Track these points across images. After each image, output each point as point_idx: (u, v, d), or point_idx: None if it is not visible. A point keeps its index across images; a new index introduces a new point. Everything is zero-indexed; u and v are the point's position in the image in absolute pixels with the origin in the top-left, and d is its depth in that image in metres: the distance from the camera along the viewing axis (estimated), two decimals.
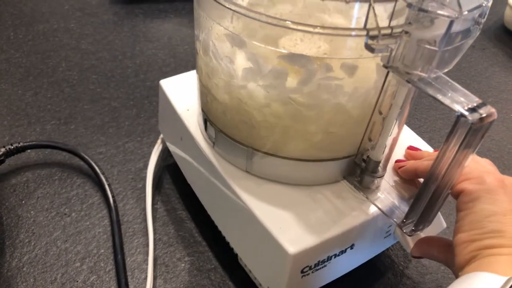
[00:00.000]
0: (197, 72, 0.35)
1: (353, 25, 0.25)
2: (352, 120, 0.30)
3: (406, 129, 0.40)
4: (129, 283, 0.39)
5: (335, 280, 0.36)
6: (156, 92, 0.61)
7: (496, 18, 0.87)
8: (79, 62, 0.65)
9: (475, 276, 0.26)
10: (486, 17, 0.26)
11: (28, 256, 0.40)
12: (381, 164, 0.32)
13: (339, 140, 0.31)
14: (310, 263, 0.31)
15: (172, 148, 0.45)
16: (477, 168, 0.30)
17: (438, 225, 0.38)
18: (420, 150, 0.37)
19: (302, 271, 0.31)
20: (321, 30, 0.24)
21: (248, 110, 0.30)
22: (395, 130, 0.30)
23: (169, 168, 0.50)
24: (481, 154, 0.56)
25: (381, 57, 0.26)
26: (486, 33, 0.84)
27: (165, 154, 0.50)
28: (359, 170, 0.33)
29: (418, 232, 0.30)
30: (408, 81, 0.26)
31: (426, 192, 0.27)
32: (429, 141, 0.41)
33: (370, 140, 0.31)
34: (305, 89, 0.27)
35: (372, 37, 0.24)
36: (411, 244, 0.35)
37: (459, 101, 0.24)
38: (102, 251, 0.41)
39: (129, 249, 0.42)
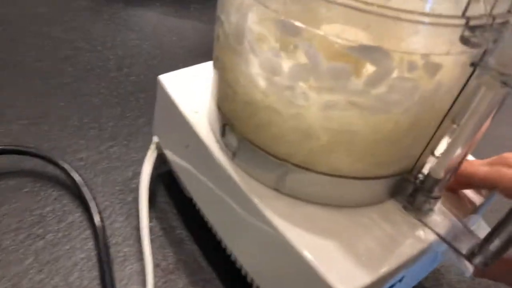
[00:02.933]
0: (216, 66, 0.29)
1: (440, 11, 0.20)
2: (417, 128, 0.24)
3: None
4: None
5: None
6: (142, 88, 0.53)
7: None
8: (51, 52, 0.56)
9: None
10: None
11: None
12: (440, 184, 0.27)
13: (397, 152, 0.26)
14: None
15: (171, 156, 0.38)
16: None
17: None
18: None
19: None
20: (408, 16, 0.19)
21: (290, 114, 0.24)
22: (467, 144, 0.25)
23: (163, 178, 0.43)
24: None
25: (470, 54, 0.20)
26: None
27: (158, 161, 0.43)
28: (412, 189, 0.28)
29: (487, 266, 0.25)
30: (504, 83, 0.20)
31: (502, 229, 0.22)
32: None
33: (432, 154, 0.26)
34: (374, 91, 0.22)
35: (472, 28, 0.19)
36: (470, 266, 0.30)
37: None
38: (86, 283, 0.34)
39: (120, 279, 0.34)
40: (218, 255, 0.37)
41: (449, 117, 0.24)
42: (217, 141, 0.31)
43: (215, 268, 0.36)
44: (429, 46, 0.20)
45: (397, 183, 0.28)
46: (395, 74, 0.21)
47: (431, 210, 0.28)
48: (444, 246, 0.29)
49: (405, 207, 0.29)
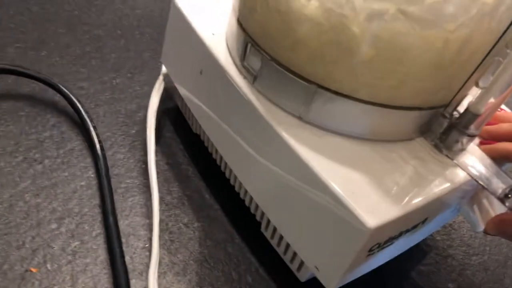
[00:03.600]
0: None
1: None
2: (467, 51, 0.22)
3: None
4: (124, 253, 0.30)
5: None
6: (148, 23, 0.50)
7: None
8: None
9: None
10: None
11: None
12: (479, 120, 0.25)
13: (441, 78, 0.23)
14: (382, 240, 0.24)
15: (182, 87, 0.35)
16: None
17: None
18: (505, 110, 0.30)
19: (370, 249, 0.24)
20: None
21: (332, 24, 0.21)
22: None
23: (168, 114, 0.41)
24: None
25: None
26: None
27: (164, 95, 0.40)
28: (446, 125, 0.26)
29: None
30: None
31: None
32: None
33: (477, 84, 0.24)
34: (429, 0, 0.19)
35: None
36: (482, 221, 0.29)
37: None
38: (86, 210, 0.32)
39: (122, 209, 0.33)
40: (224, 193, 0.35)
41: (504, 41, 0.22)
42: (236, 65, 0.28)
43: (221, 205, 0.35)
44: None
45: (431, 118, 0.26)
46: None
47: (463, 149, 0.27)
48: (466, 193, 0.28)
49: (436, 146, 0.27)
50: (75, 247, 0.30)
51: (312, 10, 0.21)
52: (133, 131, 0.38)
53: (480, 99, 0.24)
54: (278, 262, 0.31)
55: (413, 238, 0.30)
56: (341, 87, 0.24)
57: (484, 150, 0.27)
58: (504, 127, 0.27)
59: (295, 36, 0.23)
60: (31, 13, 0.47)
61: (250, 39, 0.26)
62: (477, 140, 0.27)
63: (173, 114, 0.40)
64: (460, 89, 0.24)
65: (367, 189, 0.23)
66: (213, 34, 0.30)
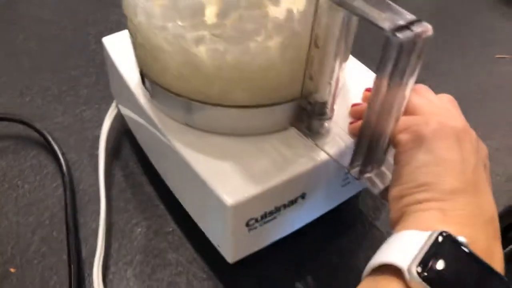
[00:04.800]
0: (126, 13, 0.32)
1: None
2: (288, 55, 0.27)
3: (365, 70, 0.37)
4: (82, 251, 0.37)
5: (299, 233, 0.35)
6: None
7: None
8: (39, 33, 0.62)
9: (397, 237, 0.23)
10: None
11: None
12: (328, 105, 0.30)
13: (278, 80, 0.28)
14: (255, 215, 0.29)
15: (121, 109, 0.42)
16: (425, 112, 0.27)
17: None
18: None
19: (247, 224, 0.29)
20: None
21: (174, 56, 0.28)
22: (337, 65, 0.27)
23: (128, 134, 0.48)
24: (463, 96, 0.54)
25: None
26: None
27: (124, 119, 0.47)
28: (306, 115, 0.31)
29: (367, 175, 0.28)
30: (336, 3, 0.23)
31: (366, 131, 0.25)
32: None
33: (311, 78, 0.28)
34: (227, 22, 0.25)
35: None
36: (380, 184, 0.32)
37: (390, 20, 0.21)
38: (56, 220, 0.40)
39: (84, 216, 0.40)
40: (171, 195, 0.41)
41: (313, 42, 0.26)
42: (141, 88, 0.35)
43: (167, 206, 0.41)
44: None
45: (294, 110, 0.31)
46: (240, 3, 0.24)
47: (327, 133, 0.31)
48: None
49: (304, 133, 0.31)
50: (44, 250, 0.37)
51: (158, 41, 0.27)
52: (97, 153, 0.46)
53: (317, 88, 0.29)
54: (209, 246, 0.37)
55: (312, 210, 0.34)
56: (204, 97, 0.30)
57: (351, 114, 0.32)
58: (363, 105, 0.31)
59: (155, 61, 0.29)
60: (21, 65, 0.56)
61: (141, 67, 0.33)
62: (346, 122, 0.32)
63: (131, 134, 0.48)
64: (303, 83, 0.29)
65: (233, 175, 0.29)
66: (129, 66, 0.37)
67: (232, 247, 0.30)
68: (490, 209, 0.25)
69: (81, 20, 0.64)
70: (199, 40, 0.26)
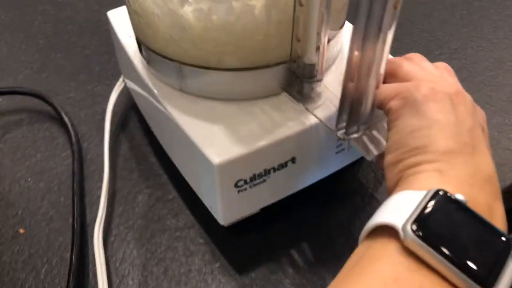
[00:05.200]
0: None
1: None
2: (274, 15, 0.27)
3: None
4: (87, 216, 0.39)
5: (297, 203, 0.35)
6: None
7: None
8: (55, 15, 0.64)
9: (392, 198, 0.23)
10: None
11: None
12: (317, 68, 0.30)
13: (266, 42, 0.29)
14: (244, 177, 0.30)
15: (127, 83, 0.44)
16: (415, 78, 0.26)
17: None
18: None
19: (236, 185, 0.30)
20: None
21: (163, 19, 0.28)
22: (323, 26, 0.27)
23: (135, 108, 0.49)
24: (478, 70, 0.52)
25: None
26: None
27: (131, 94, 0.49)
28: (297, 78, 0.31)
29: (354, 135, 0.28)
30: None
31: (347, 89, 0.25)
32: None
33: (298, 40, 0.29)
34: None
35: None
36: (373, 149, 0.32)
37: None
38: (64, 187, 0.41)
39: (90, 184, 0.42)
40: (172, 165, 0.42)
41: (297, 1, 0.26)
42: (139, 56, 0.36)
43: (169, 175, 0.42)
44: None
45: (284, 74, 0.31)
46: None
47: (318, 97, 0.31)
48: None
49: (295, 97, 0.32)
50: (52, 214, 0.39)
51: (153, 7, 0.28)
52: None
53: (304, 50, 0.29)
54: (206, 211, 0.38)
55: (304, 176, 0.34)
56: (194, 61, 0.30)
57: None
58: None
59: (147, 26, 0.30)
60: (38, 46, 0.58)
61: (137, 35, 0.34)
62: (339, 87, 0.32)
63: (137, 108, 0.49)
64: (291, 45, 0.29)
65: (222, 137, 0.29)
66: (130, 36, 0.38)
67: (222, 208, 0.31)
68: (488, 168, 0.24)
69: (94, 2, 0.66)
70: (184, 1, 0.27)
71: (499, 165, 0.42)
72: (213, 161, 0.28)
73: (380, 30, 0.22)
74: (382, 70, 0.25)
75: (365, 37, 0.22)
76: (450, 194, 0.21)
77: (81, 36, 0.60)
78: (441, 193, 0.21)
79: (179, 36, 0.29)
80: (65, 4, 0.66)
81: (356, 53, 0.23)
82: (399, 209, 0.22)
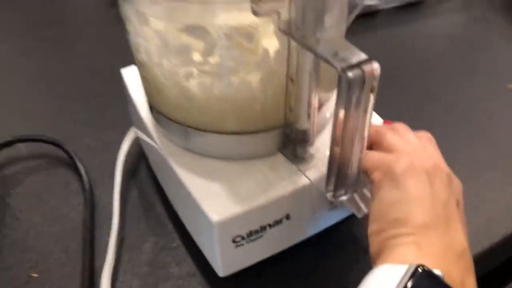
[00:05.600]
0: (132, 51, 0.37)
1: None
2: (269, 89, 0.30)
3: None
4: (96, 262, 0.41)
5: (292, 253, 0.37)
6: None
7: None
8: (73, 62, 0.69)
9: (375, 272, 0.25)
10: None
11: (10, 238, 0.44)
12: (308, 133, 0.32)
13: (262, 111, 0.32)
14: (241, 233, 0.32)
15: (138, 133, 0.47)
16: (399, 150, 0.29)
17: None
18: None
19: (234, 241, 0.32)
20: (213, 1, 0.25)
21: (171, 89, 0.32)
22: (312, 97, 0.30)
23: (145, 157, 0.52)
24: (470, 124, 0.54)
25: (275, 22, 0.26)
26: (491, 3, 0.80)
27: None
28: (291, 141, 0.33)
29: (343, 197, 0.30)
30: (301, 44, 0.26)
31: (333, 156, 0.27)
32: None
33: (291, 110, 0.31)
34: (211, 60, 0.28)
35: (255, 1, 0.25)
36: (364, 207, 0.34)
37: (345, 59, 0.24)
38: (75, 233, 0.44)
39: (100, 230, 0.44)
40: (176, 214, 0.45)
41: (289, 77, 0.29)
42: (150, 115, 0.39)
43: (173, 224, 0.44)
44: (236, 20, 0.27)
45: (279, 137, 0.34)
46: (220, 44, 0.27)
47: (311, 158, 0.34)
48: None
49: (289, 158, 0.34)
50: (63, 259, 0.42)
51: (156, 75, 0.31)
52: None
53: (296, 118, 0.31)
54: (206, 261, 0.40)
55: (298, 231, 0.37)
56: (199, 125, 0.33)
57: None
58: None
59: (160, 95, 0.33)
60: (57, 92, 0.63)
61: (148, 97, 0.37)
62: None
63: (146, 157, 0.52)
64: (285, 114, 0.32)
65: (221, 195, 0.32)
66: (142, 95, 0.42)
67: (220, 261, 0.33)
68: (461, 243, 0.27)
69: (110, 51, 0.71)
70: (189, 75, 0.30)
71: (489, 220, 0.44)
72: (212, 218, 0.30)
73: (359, 108, 0.25)
74: (366, 134, 0.28)
75: (347, 108, 0.25)
76: (429, 270, 0.23)
77: (96, 85, 0.64)
78: (420, 270, 0.23)
79: (185, 104, 0.32)
80: (83, 53, 0.71)
81: (340, 118, 0.26)
82: (382, 283, 0.23)
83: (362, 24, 0.74)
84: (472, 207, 0.45)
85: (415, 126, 0.52)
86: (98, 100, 0.61)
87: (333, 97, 0.37)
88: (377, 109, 0.36)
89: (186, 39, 0.28)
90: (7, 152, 0.52)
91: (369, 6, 0.75)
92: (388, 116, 0.41)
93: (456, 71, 0.64)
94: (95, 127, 0.57)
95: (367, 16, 0.75)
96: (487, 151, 0.52)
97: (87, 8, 0.84)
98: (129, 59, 0.70)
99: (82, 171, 0.49)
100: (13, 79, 0.66)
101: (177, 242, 0.43)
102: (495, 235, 0.43)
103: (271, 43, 0.28)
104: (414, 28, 0.75)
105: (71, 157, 0.51)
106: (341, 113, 0.25)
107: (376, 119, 0.40)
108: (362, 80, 0.23)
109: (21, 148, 0.54)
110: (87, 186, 0.47)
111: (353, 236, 0.43)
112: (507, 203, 0.46)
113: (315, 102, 0.30)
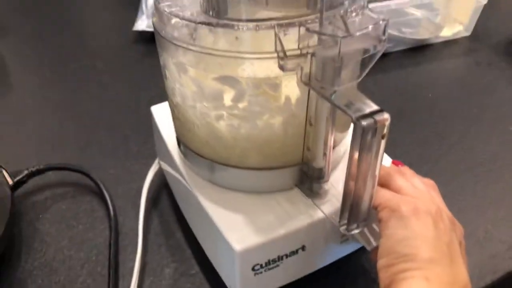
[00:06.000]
0: (167, 93, 0.41)
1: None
2: (289, 130, 0.34)
3: None
4: (120, 286, 0.44)
5: (305, 282, 0.39)
6: None
7: (508, 32, 0.87)
8: (99, 95, 0.73)
9: None
10: (386, 33, 0.29)
11: (38, 261, 0.47)
12: (324, 171, 0.35)
13: (283, 150, 0.35)
14: (261, 261, 0.35)
15: (162, 165, 0.50)
16: (406, 194, 0.32)
17: None
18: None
19: (253, 269, 0.35)
20: (239, 55, 0.29)
21: (201, 128, 0.35)
22: (329, 139, 0.33)
23: (166, 187, 0.56)
24: (474, 165, 0.57)
25: (297, 75, 0.30)
26: (494, 48, 0.84)
27: (164, 174, 0.55)
28: (307, 177, 0.37)
29: (354, 231, 0.33)
30: (319, 95, 0.30)
31: (347, 193, 0.30)
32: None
33: (308, 149, 0.35)
34: (240, 105, 0.32)
35: (282, 58, 0.29)
36: (373, 240, 0.37)
37: (359, 109, 0.27)
38: (100, 257, 0.47)
39: (124, 255, 0.47)
40: (196, 241, 0.47)
41: (308, 120, 0.33)
42: (177, 149, 0.42)
43: (193, 250, 0.47)
44: (264, 72, 0.30)
45: (297, 173, 0.37)
46: (248, 92, 0.31)
47: (325, 194, 0.37)
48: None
49: (306, 193, 0.37)
50: (89, 282, 0.45)
51: (185, 119, 0.35)
52: (139, 202, 0.53)
53: (313, 157, 0.35)
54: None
55: (313, 261, 0.39)
56: (224, 160, 0.37)
57: None
58: None
59: (190, 133, 0.37)
60: (84, 123, 0.67)
61: (177, 134, 0.41)
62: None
63: (168, 187, 0.55)
64: (303, 152, 0.35)
65: (243, 226, 0.35)
66: (170, 132, 0.45)
67: (239, 287, 0.36)
68: (464, 278, 0.30)
69: (134, 85, 0.75)
70: (219, 118, 0.34)
71: (491, 257, 0.46)
72: (235, 247, 0.33)
73: (371, 152, 0.28)
74: (377, 174, 0.31)
75: (361, 151, 0.28)
76: None
77: (121, 116, 0.69)
78: None
79: (213, 142, 0.36)
80: (109, 86, 0.76)
81: (355, 160, 0.29)
82: None
83: (373, 66, 0.78)
84: (476, 243, 0.47)
85: (421, 165, 0.55)
86: (123, 132, 0.65)
87: (346, 137, 0.40)
88: (388, 148, 0.40)
89: (219, 87, 0.32)
90: (37, 180, 0.56)
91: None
92: (396, 153, 0.44)
93: (460, 113, 0.68)
94: (120, 158, 0.60)
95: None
96: (492, 189, 0.54)
97: (113, 45, 0.89)
98: (152, 93, 0.75)
99: (108, 198, 0.52)
100: (44, 110, 0.71)
101: (196, 268, 0.46)
102: (498, 271, 0.45)
103: (293, 91, 0.32)
104: (421, 70, 0.80)
105: (97, 185, 0.54)
106: (356, 155, 0.28)
107: (385, 158, 0.43)
108: (374, 128, 0.27)
109: (51, 176, 0.58)
110: (112, 213, 0.51)
111: (363, 268, 0.45)
112: (507, 242, 0.48)
113: (331, 142, 0.34)
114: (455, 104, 0.70)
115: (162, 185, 0.55)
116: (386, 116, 0.27)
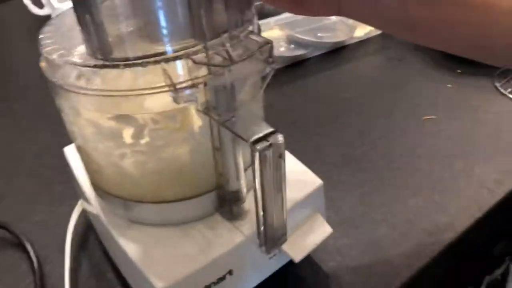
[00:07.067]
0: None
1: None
2: (197, 159, 0.34)
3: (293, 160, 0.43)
4: None
5: None
6: None
7: None
8: (18, 139, 0.69)
9: None
10: (273, 55, 0.30)
11: None
12: (240, 192, 0.36)
13: (194, 178, 0.35)
14: None
15: (84, 206, 0.48)
16: None
17: (322, 232, 0.41)
18: None
19: None
20: (131, 93, 0.29)
21: (108, 168, 0.34)
22: (239, 161, 0.34)
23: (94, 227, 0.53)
24: (394, 157, 0.59)
25: (194, 105, 0.30)
26: (404, 45, 0.89)
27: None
28: (226, 201, 0.37)
29: (275, 250, 0.34)
30: (217, 122, 0.30)
31: (259, 216, 0.31)
32: None
33: (220, 174, 0.35)
34: (142, 141, 0.32)
35: (173, 91, 0.28)
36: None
37: (254, 132, 0.28)
38: None
39: None
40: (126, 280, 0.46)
41: (214, 147, 0.33)
42: (92, 190, 0.41)
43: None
44: (160, 107, 0.30)
45: (215, 199, 0.37)
46: (148, 127, 0.31)
47: (246, 215, 0.37)
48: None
49: (226, 217, 0.37)
50: None
51: (98, 160, 0.34)
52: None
53: (229, 182, 0.35)
54: None
55: (242, 284, 0.39)
56: (137, 197, 0.36)
57: None
58: None
59: (99, 174, 0.36)
60: (7, 171, 0.63)
61: (89, 178, 0.39)
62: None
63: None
64: (216, 177, 0.35)
65: (163, 261, 0.34)
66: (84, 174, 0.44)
67: None
68: None
69: (56, 123, 0.72)
70: (123, 156, 0.33)
71: (416, 245, 0.48)
72: (157, 285, 0.32)
73: (271, 169, 0.29)
74: (283, 188, 0.31)
75: (262, 173, 0.28)
76: None
77: (41, 161, 0.65)
78: None
79: (122, 180, 0.35)
80: (26, 130, 0.72)
81: (258, 182, 0.29)
82: None
83: (292, 73, 0.80)
84: (401, 234, 0.49)
85: (345, 165, 0.56)
86: (44, 175, 0.62)
87: None
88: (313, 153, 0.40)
89: (116, 126, 0.31)
90: None
91: (298, 56, 0.82)
92: (321, 157, 0.45)
93: (378, 109, 0.71)
94: (44, 202, 0.57)
95: (296, 65, 0.82)
96: (412, 180, 0.57)
97: (31, 85, 0.85)
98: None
99: (30, 250, 0.49)
100: None
101: None
102: (423, 258, 0.47)
103: (194, 120, 0.32)
104: (340, 72, 0.83)
105: (17, 237, 0.51)
106: (258, 178, 0.29)
107: (299, 165, 0.43)
108: (269, 150, 0.27)
109: None
110: (36, 265, 0.48)
111: (300, 278, 0.46)
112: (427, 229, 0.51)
113: (241, 165, 0.34)
114: (372, 101, 0.73)
115: (89, 226, 0.53)
116: (279, 137, 0.28)
